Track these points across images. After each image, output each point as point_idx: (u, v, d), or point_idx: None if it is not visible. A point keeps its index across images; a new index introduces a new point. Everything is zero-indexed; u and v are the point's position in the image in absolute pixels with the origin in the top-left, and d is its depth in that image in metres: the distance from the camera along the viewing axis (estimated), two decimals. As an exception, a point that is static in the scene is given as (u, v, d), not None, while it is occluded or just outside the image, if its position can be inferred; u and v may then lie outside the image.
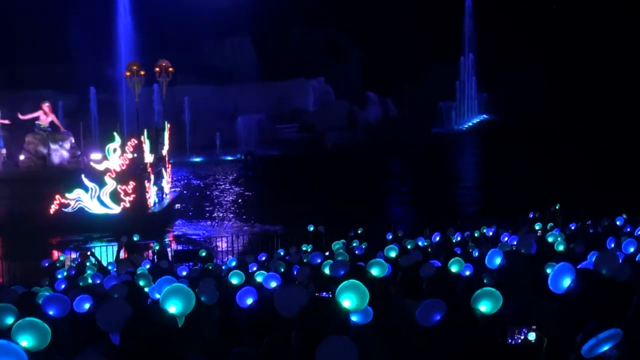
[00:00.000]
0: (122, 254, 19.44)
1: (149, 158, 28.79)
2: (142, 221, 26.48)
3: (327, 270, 7.90)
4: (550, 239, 11.32)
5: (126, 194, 27.63)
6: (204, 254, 18.02)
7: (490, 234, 17.78)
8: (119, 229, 22.79)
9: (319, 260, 11.11)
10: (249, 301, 5.62)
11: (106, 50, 48.06)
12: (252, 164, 46.20)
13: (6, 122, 30.75)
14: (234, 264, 14.41)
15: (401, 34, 62.26)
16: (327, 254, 13.55)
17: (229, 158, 49.62)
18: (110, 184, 27.55)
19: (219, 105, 54.14)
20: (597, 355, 3.29)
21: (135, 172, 27.93)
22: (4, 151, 30.11)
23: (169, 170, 32.53)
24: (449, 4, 63.03)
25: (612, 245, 10.15)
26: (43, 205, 27.43)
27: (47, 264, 17.70)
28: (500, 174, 37.44)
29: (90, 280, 11.19)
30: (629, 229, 14.33)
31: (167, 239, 26.24)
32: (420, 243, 15.23)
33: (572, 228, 17.78)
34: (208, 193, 38.67)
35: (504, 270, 5.92)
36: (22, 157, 29.46)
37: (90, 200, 27.69)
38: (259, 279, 8.90)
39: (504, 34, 60.06)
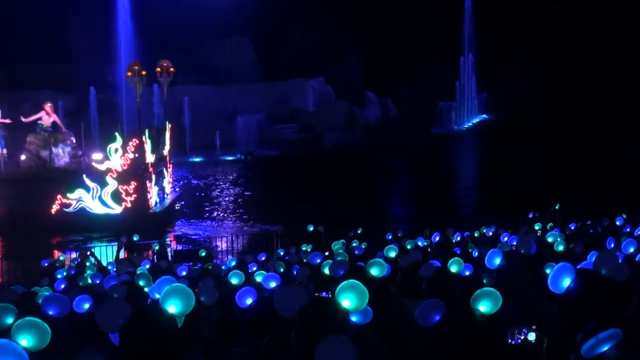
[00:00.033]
0: (123, 254, 19.44)
1: (150, 158, 28.80)
2: (144, 221, 26.50)
3: (326, 271, 7.89)
4: (550, 239, 11.32)
5: (127, 194, 27.63)
6: (203, 254, 18.02)
7: (490, 234, 17.77)
8: (120, 229, 22.79)
9: (318, 260, 11.11)
10: (249, 301, 5.62)
11: (106, 51, 48.05)
12: (252, 164, 46.22)
13: (7, 121, 30.73)
14: (233, 263, 14.42)
15: (401, 34, 62.28)
16: (326, 254, 13.55)
17: (229, 158, 49.63)
18: (112, 184, 27.55)
19: (219, 106, 54.15)
20: (597, 355, 3.30)
21: (136, 172, 27.93)
22: (4, 151, 30.09)
23: (170, 170, 32.54)
24: (448, 4, 63.05)
25: (612, 245, 10.15)
26: (44, 206, 27.43)
27: (46, 264, 17.69)
28: (500, 174, 37.46)
29: (89, 281, 11.20)
30: (628, 229, 14.33)
31: (168, 239, 26.25)
32: (419, 243, 15.23)
33: (572, 228, 17.78)
34: (208, 193, 38.67)
35: (503, 271, 5.92)
36: (23, 157, 29.45)
37: (91, 200, 27.69)
38: (258, 279, 8.90)
39: (504, 34, 60.06)
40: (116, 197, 27.65)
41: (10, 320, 4.75)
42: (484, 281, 6.96)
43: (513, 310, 4.90)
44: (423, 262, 6.70)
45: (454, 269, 7.27)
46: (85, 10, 48.86)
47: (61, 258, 19.74)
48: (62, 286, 11.08)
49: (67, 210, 27.67)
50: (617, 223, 16.06)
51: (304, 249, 17.77)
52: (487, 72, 60.87)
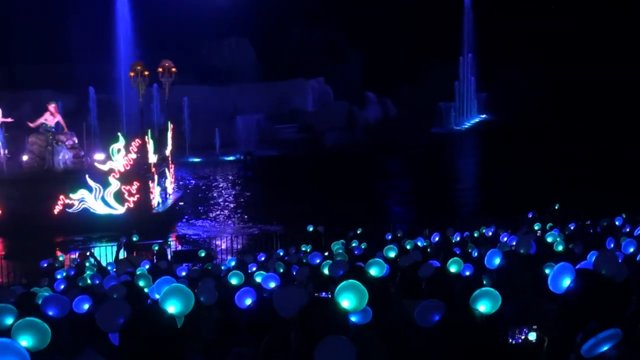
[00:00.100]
0: (124, 254, 19.43)
1: (152, 158, 28.80)
2: (146, 221, 26.51)
3: (326, 271, 7.89)
4: (549, 239, 11.32)
5: (130, 194, 27.62)
6: (203, 254, 18.03)
7: (490, 234, 17.76)
8: (123, 229, 22.77)
9: (318, 261, 11.12)
10: (248, 302, 5.62)
11: (106, 51, 48.02)
12: (252, 164, 46.22)
13: (9, 120, 30.72)
14: (233, 264, 14.43)
15: (401, 34, 62.30)
16: (326, 254, 13.55)
17: (229, 158, 49.61)
18: (115, 184, 27.55)
19: (218, 106, 54.11)
20: (597, 355, 3.30)
21: (139, 173, 27.92)
22: (6, 151, 30.05)
23: (172, 170, 32.55)
24: (448, 4, 63.05)
25: (612, 245, 10.16)
26: (47, 206, 27.41)
27: (45, 264, 17.68)
28: (500, 174, 37.44)
29: (89, 281, 11.21)
30: (628, 229, 14.33)
31: (170, 240, 26.27)
32: (419, 243, 15.23)
33: (572, 228, 17.78)
34: (207, 193, 38.66)
35: (503, 271, 5.92)
36: (25, 158, 29.42)
37: (94, 200, 27.68)
38: (258, 279, 8.91)
39: (504, 34, 60.06)
40: (119, 197, 27.65)
41: (10, 320, 4.75)
42: (484, 282, 6.96)
43: (513, 311, 4.91)
44: (422, 262, 6.70)
45: (453, 269, 7.28)
46: (85, 10, 48.85)
47: (60, 258, 19.74)
48: (62, 286, 11.09)
49: (69, 210, 27.66)
50: (617, 223, 16.06)
51: (303, 249, 17.78)
52: (486, 72, 60.86)
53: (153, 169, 28.72)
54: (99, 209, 27.70)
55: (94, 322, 3.97)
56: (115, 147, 27.66)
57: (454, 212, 28.86)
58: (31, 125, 29.53)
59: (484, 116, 64.73)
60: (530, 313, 5.03)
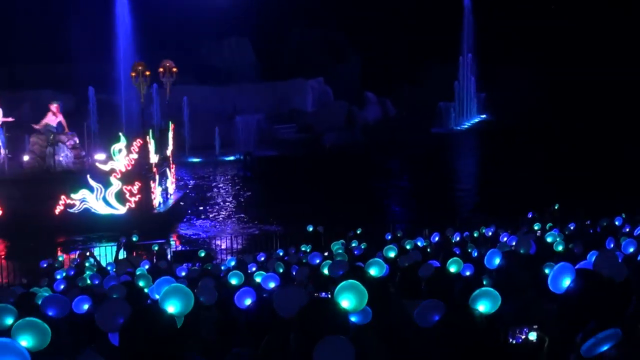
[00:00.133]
0: (123, 254, 19.43)
1: (154, 158, 28.80)
2: (148, 221, 26.50)
3: (325, 271, 7.90)
4: (549, 239, 11.33)
5: (132, 194, 27.62)
6: (203, 254, 18.04)
7: (490, 234, 17.78)
8: (124, 230, 22.76)
9: (317, 261, 11.13)
10: (248, 302, 5.62)
11: (106, 51, 48.00)
12: (251, 164, 46.17)
13: (10, 119, 30.70)
14: (232, 264, 14.43)
15: (401, 34, 62.28)
16: (326, 254, 13.56)
17: (228, 158, 49.58)
18: (116, 184, 27.54)
19: (218, 106, 54.08)
20: (596, 355, 3.30)
21: (140, 173, 27.91)
22: (6, 152, 30.05)
23: (173, 170, 32.55)
24: (448, 4, 63.04)
25: (612, 245, 10.16)
26: (48, 206, 27.38)
27: (45, 265, 17.68)
28: (500, 174, 37.42)
29: (89, 281, 11.21)
30: (627, 229, 14.33)
31: (171, 240, 26.27)
32: (419, 243, 15.24)
33: (571, 228, 17.79)
34: (207, 194, 38.66)
35: (503, 271, 5.92)
36: (26, 158, 29.39)
37: (95, 200, 27.67)
38: (257, 279, 8.91)
39: (504, 34, 60.04)
40: (120, 197, 27.64)
41: (10, 320, 4.75)
42: (484, 282, 6.96)
43: (512, 310, 4.91)
44: (422, 262, 6.71)
45: (453, 269, 7.28)
46: (85, 10, 48.83)
47: (60, 259, 19.74)
48: (62, 287, 11.10)
49: (71, 210, 27.65)
50: (617, 223, 16.06)
51: (303, 249, 17.80)
52: (486, 72, 60.86)
53: (154, 169, 28.72)
54: (101, 209, 27.70)
55: (93, 322, 3.97)
56: (116, 147, 27.65)
57: (453, 212, 28.87)
58: (36, 127, 29.47)
59: (483, 116, 64.72)
60: (530, 313, 5.03)
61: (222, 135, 50.51)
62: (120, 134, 28.34)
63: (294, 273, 10.37)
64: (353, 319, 3.91)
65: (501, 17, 61.02)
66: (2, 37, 49.55)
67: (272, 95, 56.84)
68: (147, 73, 30.09)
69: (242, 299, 5.76)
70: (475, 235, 18.59)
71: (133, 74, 30.18)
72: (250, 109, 54.27)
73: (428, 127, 58.02)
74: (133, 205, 27.65)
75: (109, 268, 15.13)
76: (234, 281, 8.88)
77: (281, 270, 11.66)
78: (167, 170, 31.19)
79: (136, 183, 27.65)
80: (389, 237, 18.44)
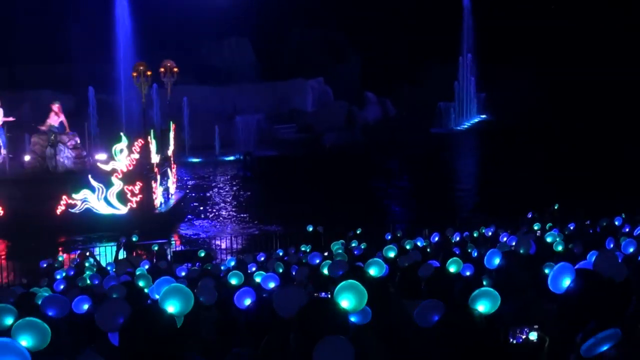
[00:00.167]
0: (123, 254, 19.43)
1: (155, 158, 28.79)
2: (149, 221, 26.49)
3: (325, 271, 7.90)
4: (549, 239, 11.32)
5: (133, 194, 27.60)
6: (202, 254, 18.04)
7: (489, 234, 17.77)
8: (125, 230, 22.76)
9: (317, 261, 11.13)
10: (247, 302, 5.62)
11: (105, 51, 48.01)
12: (251, 164, 46.17)
13: (11, 119, 30.69)
14: (232, 264, 14.43)
15: (400, 34, 62.25)
16: (325, 254, 13.56)
17: (228, 158, 49.58)
18: (117, 184, 27.52)
19: (218, 106, 54.08)
20: (596, 355, 3.30)
21: (142, 173, 27.90)
22: (6, 151, 30.03)
23: (174, 170, 32.55)
24: (448, 4, 63.03)
25: (612, 245, 10.16)
26: (49, 206, 27.36)
27: (45, 265, 17.69)
28: (500, 174, 37.43)
29: (89, 281, 11.21)
30: (627, 229, 14.32)
31: (172, 240, 26.27)
32: (419, 243, 15.24)
33: (571, 228, 17.79)
34: (207, 194, 38.66)
35: (502, 271, 5.92)
36: (27, 158, 29.37)
37: (97, 200, 27.66)
38: (257, 279, 8.91)
39: (504, 34, 60.03)
40: (121, 197, 27.63)
41: (10, 320, 4.75)
42: (484, 282, 6.96)
43: (512, 310, 4.91)
44: (422, 262, 6.70)
45: (452, 269, 7.28)
46: (85, 10, 48.85)
47: (60, 259, 19.73)
48: (62, 287, 11.10)
49: (72, 210, 27.64)
50: (616, 223, 16.06)
51: (303, 249, 17.80)
52: (486, 72, 60.83)
53: (156, 169, 28.72)
54: (102, 209, 27.69)
55: (93, 322, 3.97)
56: (117, 147, 27.63)
57: (453, 212, 28.86)
58: (42, 128, 29.43)
59: (483, 116, 64.70)
60: (530, 313, 5.03)
61: (222, 135, 50.52)
62: (122, 134, 28.33)
63: (293, 273, 10.36)
64: (353, 319, 3.91)
65: (501, 17, 60.99)
66: (2, 37, 49.55)
67: (272, 95, 56.84)
68: (149, 73, 30.08)
69: (242, 299, 5.76)
70: (475, 235, 18.58)
71: (134, 74, 30.17)
72: (250, 109, 54.27)
73: (428, 127, 58.03)
74: (134, 205, 27.65)
75: (108, 268, 15.13)
76: (233, 281, 8.87)
77: (281, 270, 11.66)
78: (169, 170, 31.20)
79: (137, 183, 27.64)
80: (389, 237, 18.44)
